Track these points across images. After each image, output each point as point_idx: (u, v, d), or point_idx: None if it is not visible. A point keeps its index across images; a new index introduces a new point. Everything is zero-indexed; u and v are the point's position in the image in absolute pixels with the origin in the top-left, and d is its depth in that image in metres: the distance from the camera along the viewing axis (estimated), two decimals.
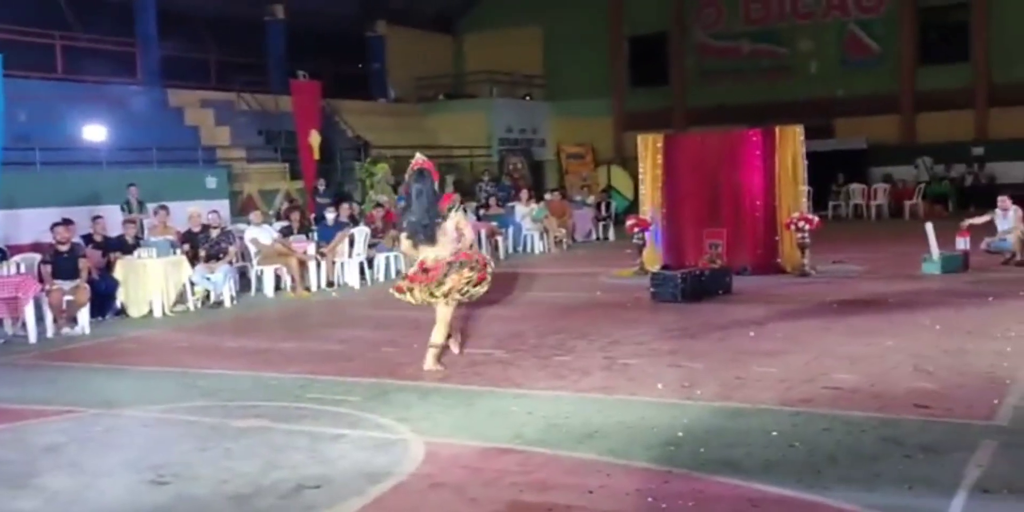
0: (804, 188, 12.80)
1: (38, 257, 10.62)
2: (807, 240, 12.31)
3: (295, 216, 14.48)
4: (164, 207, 13.05)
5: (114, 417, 6.40)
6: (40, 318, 9.93)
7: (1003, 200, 12.89)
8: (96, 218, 12.17)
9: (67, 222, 10.81)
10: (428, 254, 7.52)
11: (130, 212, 13.77)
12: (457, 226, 7.56)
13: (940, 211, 21.74)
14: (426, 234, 7.47)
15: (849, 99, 25.15)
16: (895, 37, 25.29)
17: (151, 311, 11.15)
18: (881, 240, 16.70)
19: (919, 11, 24.98)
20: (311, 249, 13.39)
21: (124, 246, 11.80)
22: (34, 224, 12.90)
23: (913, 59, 25.02)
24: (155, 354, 8.92)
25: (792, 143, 12.66)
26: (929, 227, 12.27)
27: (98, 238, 11.83)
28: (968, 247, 12.54)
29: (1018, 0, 23.79)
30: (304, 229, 14.24)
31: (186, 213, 13.08)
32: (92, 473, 5.15)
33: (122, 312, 11.13)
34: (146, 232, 13.05)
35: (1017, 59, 23.74)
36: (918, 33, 25.09)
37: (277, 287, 12.91)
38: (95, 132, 16.61)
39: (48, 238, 11.01)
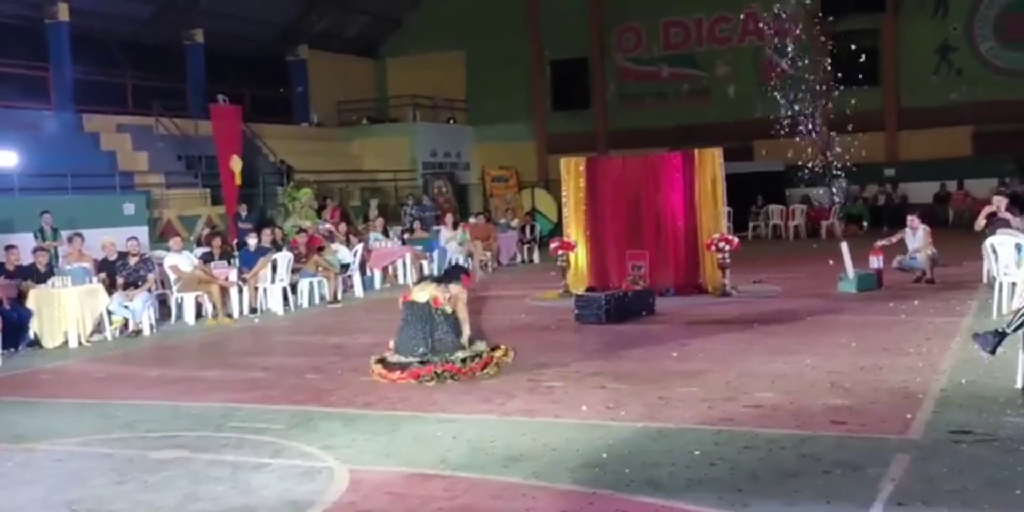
0: (724, 209, 13.04)
1: None
2: (728, 261, 12.53)
3: (216, 242, 14.27)
4: (79, 234, 12.75)
5: (26, 452, 6.21)
6: None
7: (912, 219, 13.29)
8: (9, 247, 11.81)
9: None
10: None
11: (44, 240, 13.42)
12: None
13: (855, 230, 22.29)
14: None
15: (767, 121, 25.67)
16: (811, 60, 25.94)
17: (67, 341, 10.87)
18: (799, 260, 17.04)
19: (831, 36, 25.70)
20: (233, 275, 13.19)
21: (36, 275, 11.47)
22: None
23: (829, 82, 25.69)
24: (71, 386, 8.69)
25: (711, 165, 12.90)
26: (844, 247, 12.59)
27: (10, 267, 11.48)
28: (882, 266, 12.88)
29: (923, 26, 24.70)
30: (226, 255, 14.04)
31: (100, 242, 12.77)
32: (2, 510, 4.98)
33: (36, 343, 10.83)
34: (60, 260, 12.73)
35: (924, 83, 24.61)
36: (830, 57, 25.79)
37: (198, 314, 12.68)
38: (6, 158, 16.19)
39: None
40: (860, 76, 22.38)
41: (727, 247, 12.45)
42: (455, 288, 8.43)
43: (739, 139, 24.37)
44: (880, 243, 13.15)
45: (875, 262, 12.91)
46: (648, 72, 27.99)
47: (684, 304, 11.90)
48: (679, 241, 12.97)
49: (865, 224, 23.29)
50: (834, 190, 24.64)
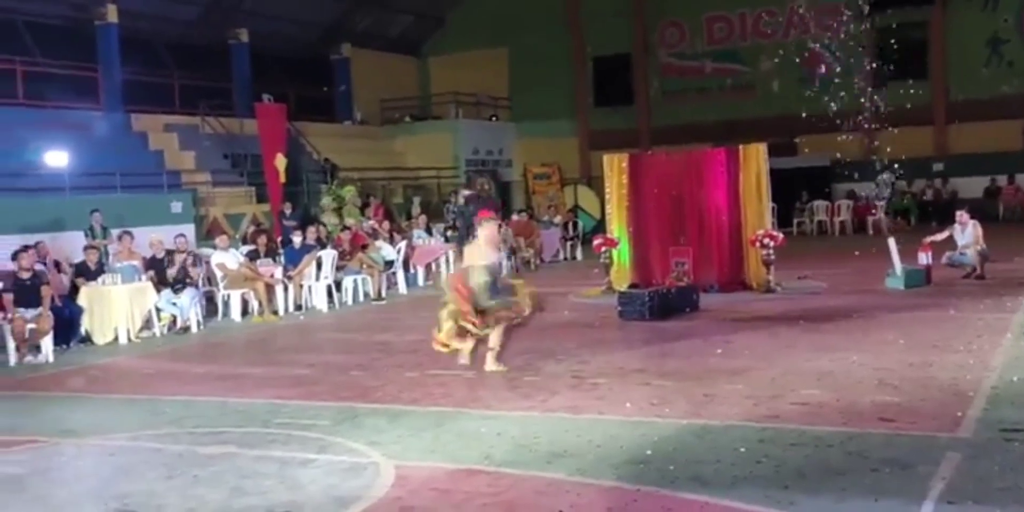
0: (768, 205, 12.93)
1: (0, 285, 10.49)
2: (772, 257, 12.42)
3: (261, 240, 14.40)
4: (128, 233, 12.93)
5: (78, 446, 6.32)
6: (2, 347, 9.80)
7: (961, 215, 13.09)
8: (37, 243, 11.91)
9: (27, 248, 10.67)
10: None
11: (94, 238, 13.64)
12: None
13: (902, 226, 21.99)
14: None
15: (811, 117, 25.40)
16: (857, 55, 25.63)
17: (116, 338, 11.05)
18: (845, 256, 16.86)
19: (878, 30, 25.37)
20: (278, 273, 13.32)
21: (87, 272, 11.68)
22: None
23: (875, 77, 25.36)
24: (120, 381, 8.83)
25: (756, 161, 12.79)
26: (892, 242, 12.42)
27: (44, 261, 11.58)
28: (930, 262, 12.70)
29: (973, 18, 24.28)
30: (271, 252, 14.17)
31: (148, 240, 12.94)
32: (54, 505, 5.08)
33: (87, 339, 11.01)
34: (110, 258, 12.93)
35: (974, 76, 24.19)
36: (878, 51, 25.46)
37: (244, 311, 12.82)
38: (57, 158, 16.46)
39: (9, 266, 10.88)
40: (908, 70, 22.02)
41: (772, 243, 12.35)
42: (482, 234, 8.45)
43: (783, 134, 24.13)
44: (929, 239, 12.98)
45: (924, 258, 12.73)
46: (691, 67, 27.80)
47: (728, 301, 11.81)
48: (723, 237, 12.88)
49: (912, 219, 22.98)
50: (880, 185, 24.45)
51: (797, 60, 26.24)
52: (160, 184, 17.83)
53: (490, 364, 8.12)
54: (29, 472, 5.73)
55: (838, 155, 25.05)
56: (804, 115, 25.07)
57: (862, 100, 23.65)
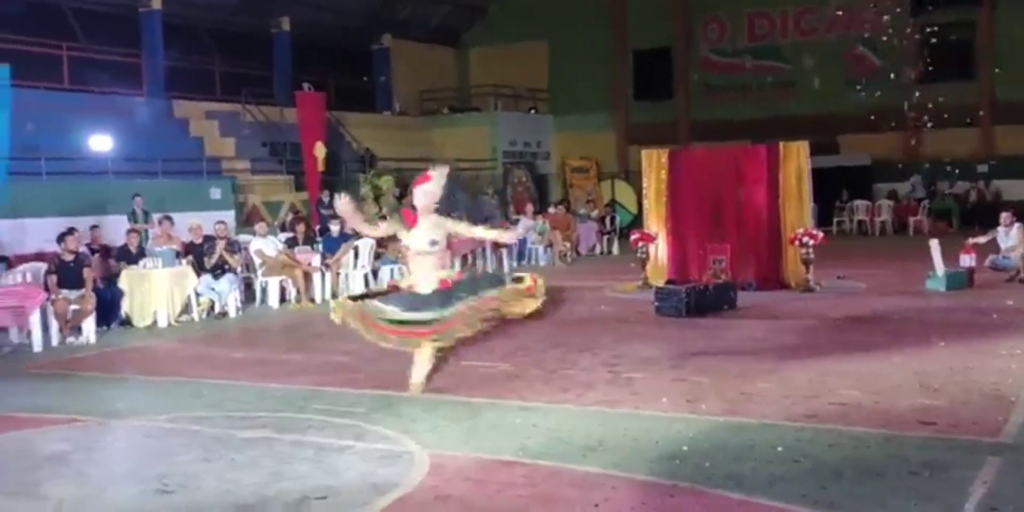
0: (809, 204, 12.82)
1: (44, 266, 10.64)
2: (811, 256, 12.32)
3: (300, 227, 14.50)
4: (168, 217, 13.09)
5: (119, 427, 6.41)
6: (46, 327, 9.95)
7: (1005, 217, 12.91)
8: (93, 227, 12.18)
9: (72, 231, 10.82)
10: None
11: (135, 222, 13.81)
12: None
13: (944, 227, 21.73)
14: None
15: (853, 115, 25.17)
16: (899, 54, 25.34)
17: (156, 321, 11.18)
18: (885, 256, 16.70)
19: (923, 29, 25.04)
20: (316, 261, 13.41)
21: (128, 256, 11.83)
22: (39, 233, 12.95)
23: (918, 76, 25.06)
24: (160, 364, 8.93)
25: (797, 159, 12.68)
26: (934, 243, 12.27)
27: (95, 246, 11.82)
28: (973, 264, 12.53)
29: (1023, 19, 23.86)
30: (309, 241, 14.26)
31: (187, 225, 13.08)
32: (97, 482, 5.15)
33: (127, 322, 11.15)
34: (150, 242, 13.08)
35: (1022, 77, 23.78)
36: (922, 50, 25.14)
37: (282, 298, 12.92)
38: (101, 142, 16.67)
39: (53, 247, 11.04)
40: (954, 70, 21.71)
41: (811, 242, 12.24)
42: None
43: (824, 133, 23.89)
44: (972, 241, 12.81)
45: (966, 260, 12.56)
46: (732, 64, 27.62)
47: (766, 299, 11.73)
48: (762, 235, 12.79)
49: (955, 221, 22.69)
50: (922, 186, 24.16)
51: (839, 58, 26.03)
52: (200, 170, 18.01)
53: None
54: (72, 450, 5.81)
55: (880, 154, 24.85)
56: (845, 114, 24.98)
57: (905, 100, 23.38)
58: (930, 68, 24.81)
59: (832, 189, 22.30)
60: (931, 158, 24.58)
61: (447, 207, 7.00)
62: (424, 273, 6.83)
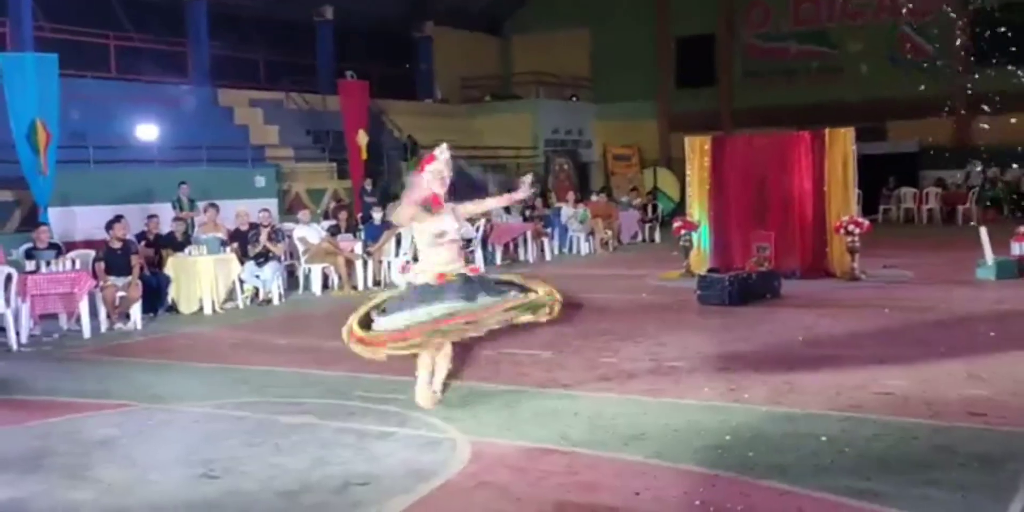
0: (854, 191, 12.65)
1: (93, 253, 10.81)
2: (857, 244, 12.16)
3: (342, 215, 14.59)
4: (214, 205, 13.21)
5: (166, 412, 6.49)
6: (94, 313, 10.11)
7: None
8: (151, 217, 12.38)
9: (120, 219, 10.97)
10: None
11: (181, 210, 13.96)
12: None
13: (994, 215, 21.36)
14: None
15: (901, 101, 24.78)
16: (949, 38, 24.89)
17: (201, 308, 11.30)
18: (933, 245, 16.45)
19: (974, 12, 24.55)
20: (358, 248, 13.48)
21: (174, 243, 11.98)
22: (87, 221, 13.17)
23: (967, 60, 24.60)
24: (206, 350, 9.04)
25: (843, 146, 12.51)
26: (983, 231, 12.06)
27: (151, 236, 12.02)
28: None
29: None
30: (351, 228, 14.34)
31: (234, 212, 13.23)
32: (144, 466, 5.23)
33: (173, 308, 11.29)
34: (196, 229, 13.22)
35: None
36: (973, 34, 24.66)
37: (325, 285, 13.01)
38: (147, 131, 16.87)
39: (101, 235, 11.21)
40: (1009, 54, 21.25)
41: (857, 230, 12.09)
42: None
43: (871, 119, 23.53)
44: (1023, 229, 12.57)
45: (1017, 248, 12.34)
46: (776, 49, 27.32)
47: (811, 288, 11.61)
48: (806, 223, 12.65)
49: (1005, 209, 22.29)
50: (972, 173, 23.72)
51: (887, 42, 25.63)
52: (245, 158, 18.16)
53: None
54: (120, 434, 5.91)
55: (928, 140, 24.45)
56: (893, 99, 24.59)
57: (954, 85, 22.94)
58: (981, 52, 24.40)
59: (879, 176, 21.99)
60: (981, 145, 24.14)
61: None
62: (450, 263, 6.15)
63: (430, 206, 6.11)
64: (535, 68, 27.90)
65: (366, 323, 6.05)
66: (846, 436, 5.35)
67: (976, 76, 24.25)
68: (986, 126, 23.69)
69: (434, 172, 6.15)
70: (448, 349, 6.38)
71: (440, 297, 5.92)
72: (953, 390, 6.34)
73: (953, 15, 24.25)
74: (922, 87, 24.35)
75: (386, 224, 13.84)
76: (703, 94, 27.57)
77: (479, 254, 15.32)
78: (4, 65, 12.37)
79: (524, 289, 6.26)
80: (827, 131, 12.68)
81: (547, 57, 28.25)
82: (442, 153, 6.23)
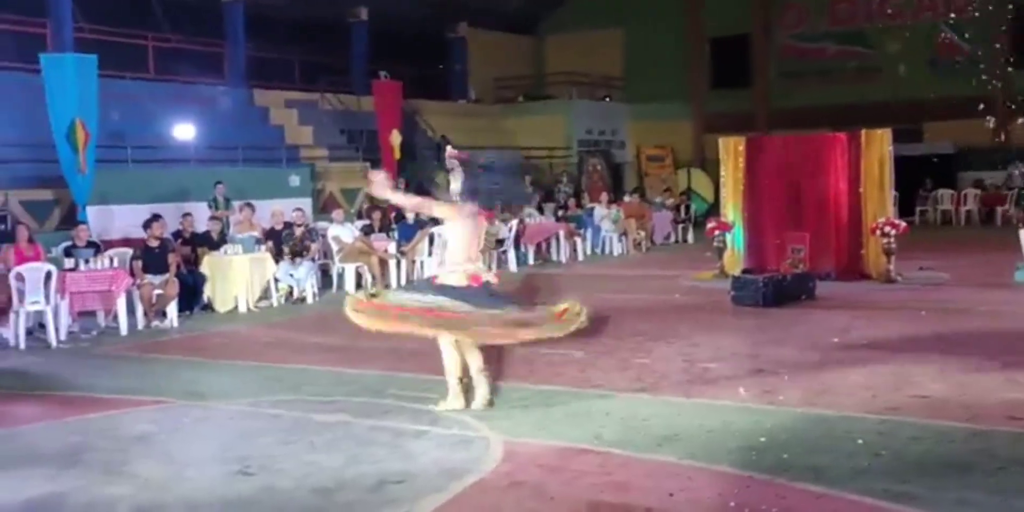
0: (891, 193, 12.54)
1: (131, 252, 10.94)
2: (893, 246, 12.05)
3: (376, 215, 14.65)
4: (249, 204, 13.31)
5: (202, 409, 6.56)
6: (131, 311, 10.22)
7: None
8: (186, 215, 12.51)
9: (159, 218, 11.09)
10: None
11: (217, 209, 14.08)
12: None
13: None
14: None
15: (938, 102, 24.49)
16: (987, 38, 24.57)
17: (236, 306, 11.40)
18: (971, 247, 16.25)
19: (1014, 11, 24.22)
20: (392, 248, 13.53)
21: (210, 242, 12.09)
22: (125, 219, 13.31)
23: (1006, 61, 24.27)
24: (241, 348, 9.12)
25: (879, 147, 12.41)
26: (1023, 234, 11.90)
27: (187, 235, 12.14)
28: None
29: None
30: (385, 228, 14.40)
31: (269, 211, 13.33)
32: (181, 462, 5.28)
33: (208, 307, 11.39)
34: (231, 228, 13.34)
35: None
36: (1012, 34, 24.33)
37: (358, 285, 13.06)
38: (184, 131, 17.03)
39: (138, 233, 11.33)
40: None
41: (893, 232, 11.97)
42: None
43: (908, 120, 23.29)
44: None
45: None
46: (813, 49, 27.11)
47: (846, 289, 11.51)
48: (842, 224, 12.55)
49: None
50: (1014, 174, 23.37)
51: (926, 43, 25.34)
52: (279, 158, 18.28)
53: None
54: (157, 431, 5.98)
55: (965, 141, 24.14)
56: (930, 100, 24.31)
57: (995, 85, 22.61)
58: (1020, 52, 24.05)
59: (915, 178, 21.75)
60: (1020, 146, 23.81)
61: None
62: (460, 266, 6.11)
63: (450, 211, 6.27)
64: (568, 68, 27.85)
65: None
66: (883, 439, 5.30)
67: (1015, 76, 23.96)
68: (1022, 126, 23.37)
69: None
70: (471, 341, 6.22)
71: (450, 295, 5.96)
72: (991, 394, 6.26)
73: (992, 14, 23.96)
74: (960, 88, 24.09)
75: (419, 223, 13.90)
76: (738, 95, 27.39)
77: (511, 254, 15.33)
78: (45, 66, 12.54)
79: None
80: (863, 132, 12.58)
81: (580, 57, 28.19)
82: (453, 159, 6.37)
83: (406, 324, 6.01)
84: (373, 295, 6.45)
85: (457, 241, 6.19)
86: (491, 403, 6.28)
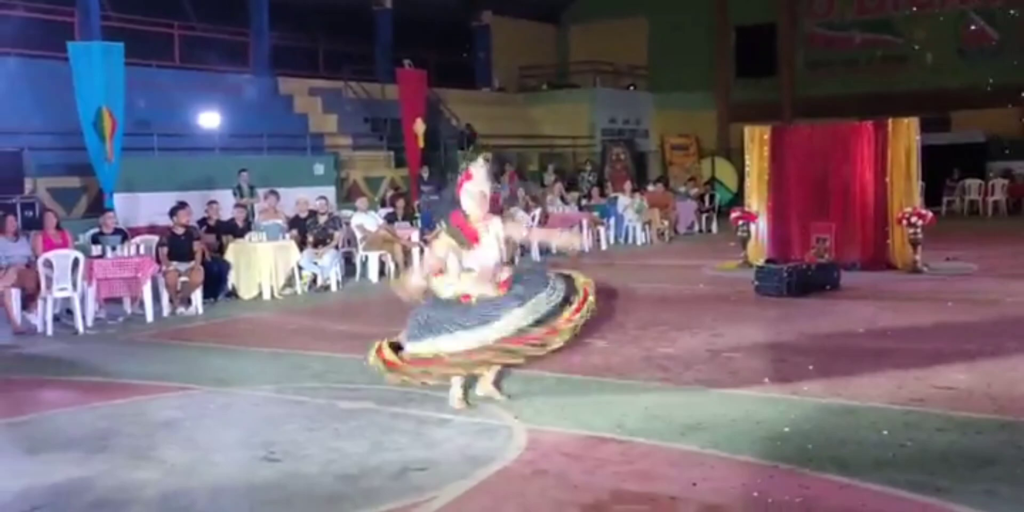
0: (917, 183, 12.43)
1: (156, 239, 11.01)
2: (919, 236, 11.96)
3: (400, 203, 14.69)
4: (274, 192, 13.38)
5: (227, 395, 6.61)
6: (157, 298, 10.30)
7: None
8: (211, 203, 12.58)
9: (185, 206, 11.16)
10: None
11: (241, 197, 14.16)
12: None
13: None
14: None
15: (967, 91, 24.23)
16: (1016, 25, 24.28)
17: (261, 294, 11.47)
18: (998, 237, 16.10)
19: None
20: (415, 236, 13.56)
21: (234, 229, 12.15)
22: (151, 207, 13.42)
23: None
24: (265, 335, 9.18)
25: (906, 136, 12.30)
26: None
27: (212, 222, 12.21)
28: None
29: None
30: (408, 216, 14.43)
31: (294, 199, 13.38)
32: (207, 448, 5.33)
33: (233, 294, 11.47)
34: (256, 216, 13.40)
35: None
36: None
37: (381, 273, 13.11)
38: (209, 119, 17.11)
39: (164, 220, 11.41)
40: None
41: (920, 222, 11.88)
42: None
43: (936, 109, 23.04)
44: None
45: None
46: (839, 38, 26.87)
47: (871, 279, 11.44)
48: (868, 214, 12.47)
49: None
50: None
51: (954, 31, 25.06)
52: (304, 146, 18.34)
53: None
54: (183, 417, 6.03)
55: (994, 131, 23.89)
56: (958, 89, 24.05)
57: (1023, 73, 22.30)
58: None
59: (943, 167, 21.54)
60: None
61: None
62: (479, 285, 5.81)
63: (464, 241, 5.77)
64: (592, 57, 27.75)
65: (395, 346, 5.91)
66: (908, 430, 5.27)
67: None
68: None
69: (472, 194, 5.79)
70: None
71: (460, 321, 5.69)
72: (1018, 385, 6.21)
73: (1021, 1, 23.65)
74: (989, 76, 23.82)
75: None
76: (763, 84, 27.19)
77: (535, 244, 15.31)
78: (72, 54, 12.62)
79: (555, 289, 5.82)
80: (890, 121, 12.48)
81: (604, 46, 28.07)
82: (478, 170, 5.85)
83: (455, 369, 5.83)
84: (396, 346, 5.92)
85: (482, 264, 5.85)
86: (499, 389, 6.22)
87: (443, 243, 5.83)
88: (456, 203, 5.88)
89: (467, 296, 5.82)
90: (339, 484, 4.65)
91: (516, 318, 5.65)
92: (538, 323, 5.69)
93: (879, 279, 11.51)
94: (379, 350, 5.89)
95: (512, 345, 5.67)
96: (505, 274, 5.91)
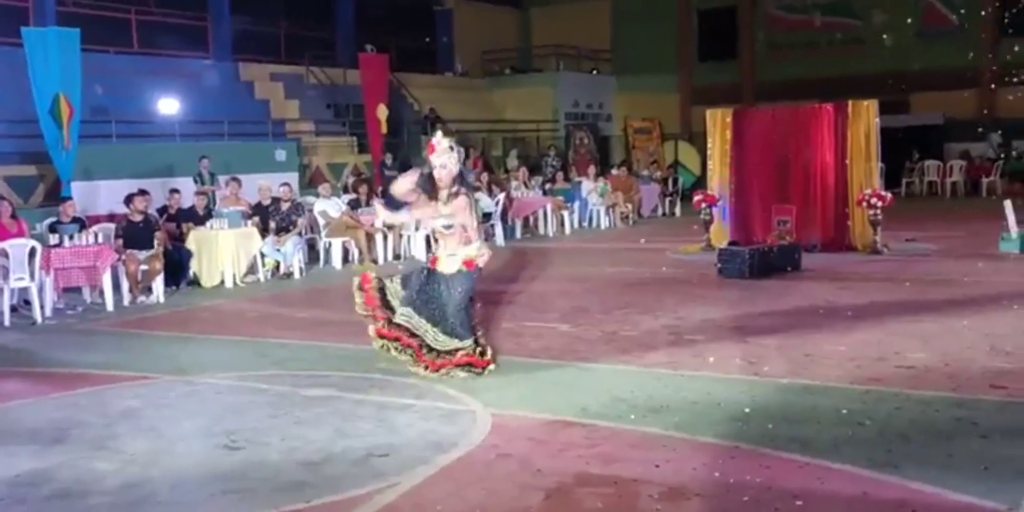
0: (877, 164, 12.55)
1: (114, 227, 10.86)
2: (879, 217, 12.08)
3: (363, 189, 14.59)
4: (236, 179, 13.24)
5: (188, 384, 6.55)
6: (117, 287, 10.18)
7: None
8: (173, 192, 12.43)
9: (143, 193, 11.02)
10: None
11: (202, 184, 14.01)
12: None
13: (1019, 188, 21.13)
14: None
15: (926, 73, 24.46)
16: (975, 8, 24.52)
17: (223, 281, 11.37)
18: (956, 218, 16.31)
19: None
20: (378, 222, 13.46)
21: (195, 217, 12.03)
22: (110, 195, 13.23)
23: (994, 31, 24.23)
24: (227, 323, 9.11)
25: (866, 118, 12.40)
26: (1008, 204, 11.96)
27: (172, 211, 12.08)
28: None
29: None
30: (371, 202, 14.33)
31: (256, 186, 13.25)
32: (168, 437, 5.29)
33: (194, 282, 11.36)
34: (217, 203, 13.27)
35: None
36: (999, 3, 24.27)
37: (345, 259, 13.05)
38: (169, 105, 16.91)
39: (123, 209, 11.26)
40: None
41: (879, 203, 12.01)
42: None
43: (894, 91, 23.24)
44: None
45: None
46: (799, 21, 27.02)
47: (832, 261, 11.56)
48: (828, 196, 12.59)
49: None
50: (991, 143, 23.45)
51: (912, 13, 25.24)
52: (265, 133, 18.19)
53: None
54: (144, 406, 5.97)
55: (952, 113, 24.16)
56: (917, 72, 24.26)
57: (980, 56, 22.56)
58: (1007, 23, 23.99)
59: (902, 149, 21.78)
60: (1007, 117, 23.84)
61: None
62: (448, 249, 6.44)
63: (428, 189, 6.43)
64: (555, 41, 27.72)
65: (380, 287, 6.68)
66: (867, 408, 5.34)
67: (1001, 47, 23.93)
68: (1012, 97, 23.40)
69: (433, 165, 6.39)
70: None
71: (411, 290, 6.51)
72: (975, 363, 6.31)
73: None
74: (947, 58, 24.04)
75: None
76: (725, 67, 27.32)
77: (499, 228, 15.32)
78: (27, 40, 12.39)
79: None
80: (850, 103, 12.57)
81: (567, 29, 28.03)
82: (439, 142, 6.43)
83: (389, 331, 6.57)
84: (382, 288, 6.69)
85: (456, 227, 6.42)
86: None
87: (412, 180, 6.48)
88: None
89: (434, 260, 6.51)
90: (301, 471, 4.63)
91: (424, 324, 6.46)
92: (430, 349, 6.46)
93: (840, 260, 11.62)
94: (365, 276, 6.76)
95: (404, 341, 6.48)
96: (477, 252, 6.42)
